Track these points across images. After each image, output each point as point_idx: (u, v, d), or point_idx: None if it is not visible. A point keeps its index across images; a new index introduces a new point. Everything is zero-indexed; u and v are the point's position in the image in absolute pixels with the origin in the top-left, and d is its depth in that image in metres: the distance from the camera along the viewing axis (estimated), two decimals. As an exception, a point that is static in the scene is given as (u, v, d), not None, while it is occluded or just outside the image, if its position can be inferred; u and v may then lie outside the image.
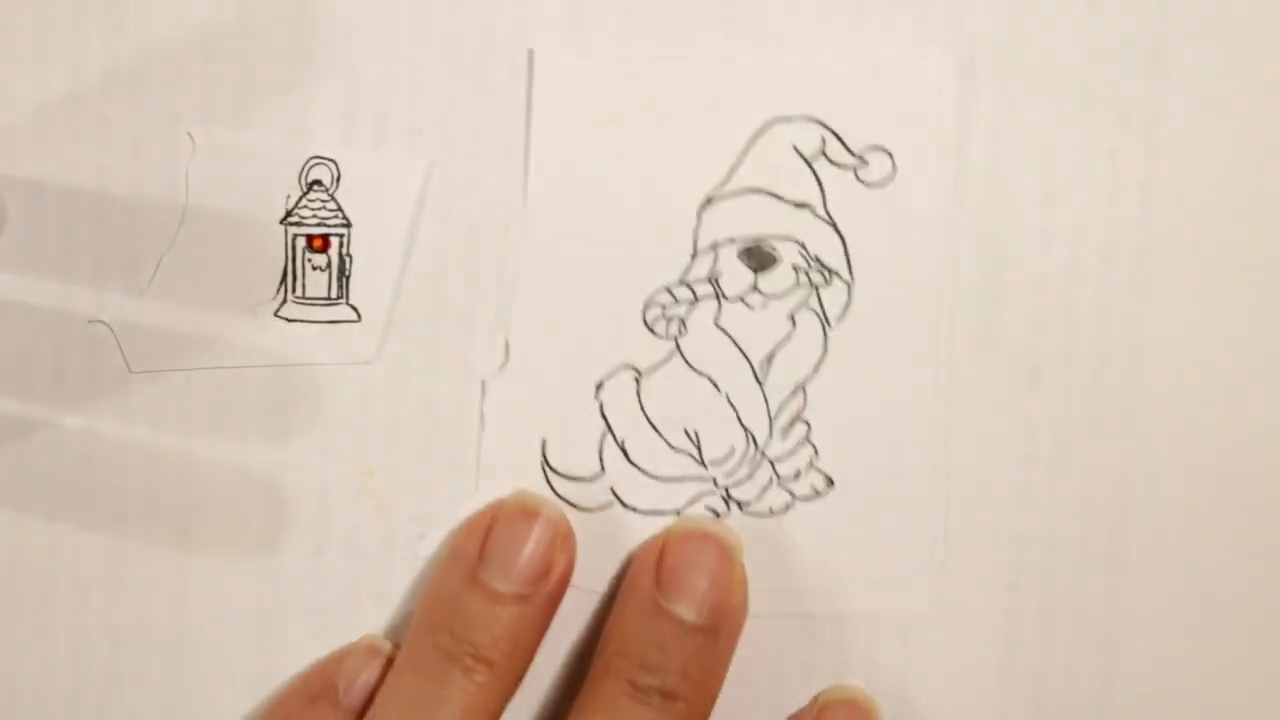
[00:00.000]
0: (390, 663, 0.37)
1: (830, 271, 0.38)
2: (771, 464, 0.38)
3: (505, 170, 0.38)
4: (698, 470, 0.38)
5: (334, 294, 0.38)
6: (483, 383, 0.38)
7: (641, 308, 0.38)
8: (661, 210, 0.38)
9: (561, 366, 0.38)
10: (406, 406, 0.38)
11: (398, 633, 0.38)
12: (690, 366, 0.38)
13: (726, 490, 0.38)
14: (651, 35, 0.38)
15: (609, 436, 0.38)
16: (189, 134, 0.38)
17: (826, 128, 0.38)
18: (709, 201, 0.38)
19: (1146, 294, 0.38)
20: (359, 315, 0.38)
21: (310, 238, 0.38)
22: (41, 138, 0.38)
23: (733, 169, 0.38)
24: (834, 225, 0.38)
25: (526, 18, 0.38)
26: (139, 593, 0.38)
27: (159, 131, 0.38)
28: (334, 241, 0.38)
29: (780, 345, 0.38)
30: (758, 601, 0.37)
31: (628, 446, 0.38)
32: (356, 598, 0.38)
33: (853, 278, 0.38)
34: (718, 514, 0.38)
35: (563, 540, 0.37)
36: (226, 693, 0.38)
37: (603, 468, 0.38)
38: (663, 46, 0.38)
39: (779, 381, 0.38)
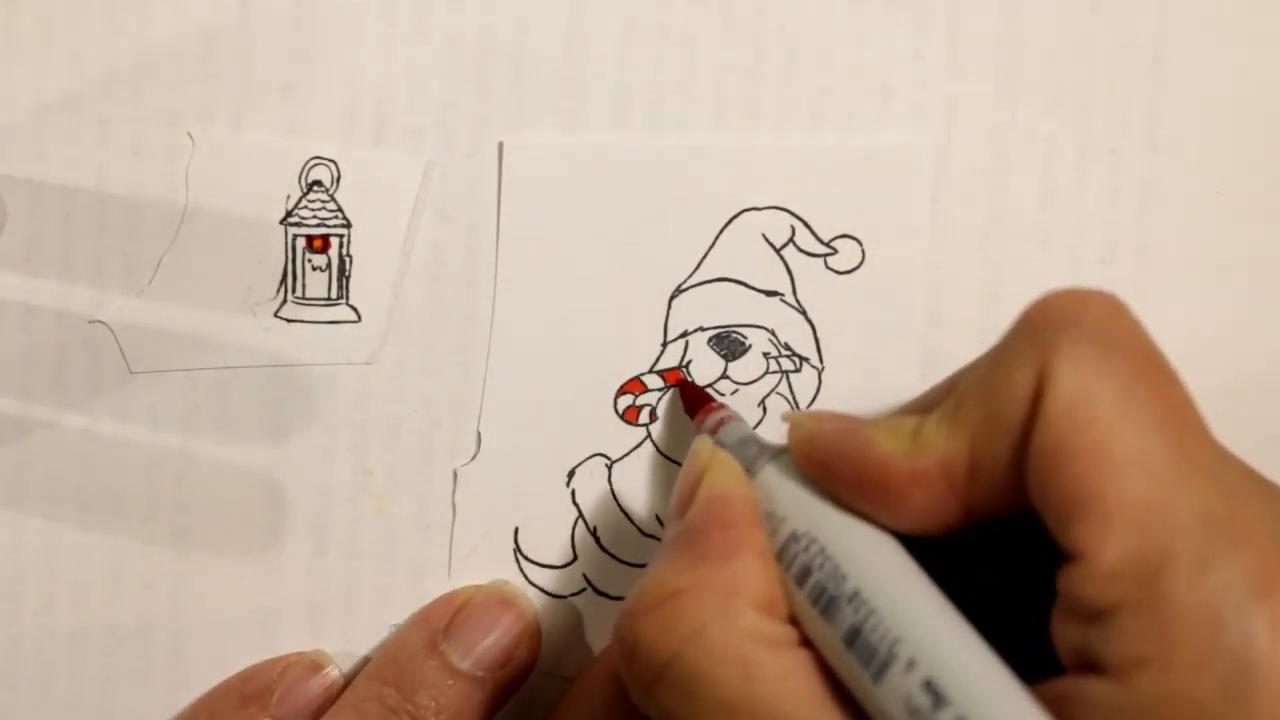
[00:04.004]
0: (329, 684, 0.37)
1: (800, 358, 0.38)
2: None
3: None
4: None
5: (334, 294, 0.38)
6: (455, 472, 0.38)
7: (613, 396, 0.38)
8: (632, 299, 0.38)
9: (533, 455, 0.38)
10: (406, 406, 0.38)
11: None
12: (662, 454, 0.38)
13: None
14: (623, 124, 0.38)
15: (581, 523, 0.38)
16: (189, 134, 0.38)
17: (796, 217, 0.38)
18: (679, 290, 0.38)
19: (1146, 294, 0.38)
20: (359, 315, 0.38)
21: (310, 238, 0.38)
22: (41, 138, 0.38)
23: (703, 258, 0.38)
24: (804, 313, 0.38)
25: (527, 17, 0.38)
26: (139, 593, 0.38)
27: (159, 131, 0.38)
28: (334, 242, 0.38)
29: None
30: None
31: (600, 533, 0.38)
32: (356, 598, 0.38)
33: (823, 364, 0.38)
34: None
35: (529, 636, 0.37)
36: (226, 693, 0.38)
37: (575, 554, 0.38)
38: (633, 135, 0.38)
39: None
